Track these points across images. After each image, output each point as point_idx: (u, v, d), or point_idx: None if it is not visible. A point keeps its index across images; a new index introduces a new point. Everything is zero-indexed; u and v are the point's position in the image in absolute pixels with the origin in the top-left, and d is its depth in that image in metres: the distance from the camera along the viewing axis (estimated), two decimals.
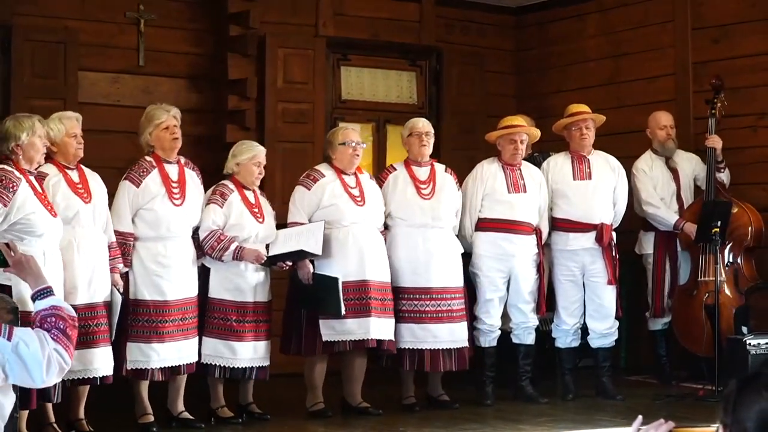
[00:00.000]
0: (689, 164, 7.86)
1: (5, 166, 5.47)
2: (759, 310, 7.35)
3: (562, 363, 7.31)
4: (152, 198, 6.14)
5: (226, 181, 6.49)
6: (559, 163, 7.32)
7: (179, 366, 6.16)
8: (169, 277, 6.13)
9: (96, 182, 5.99)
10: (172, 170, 6.27)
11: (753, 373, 2.37)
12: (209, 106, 8.44)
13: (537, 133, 7.35)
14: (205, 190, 6.45)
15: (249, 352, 6.35)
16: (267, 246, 6.43)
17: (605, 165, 7.31)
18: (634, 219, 7.74)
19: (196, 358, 6.24)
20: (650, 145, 7.88)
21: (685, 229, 7.53)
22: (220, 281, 6.35)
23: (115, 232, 6.03)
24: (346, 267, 6.49)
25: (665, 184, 7.76)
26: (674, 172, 7.81)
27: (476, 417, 6.60)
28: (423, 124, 7.00)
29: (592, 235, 7.13)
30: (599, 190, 7.22)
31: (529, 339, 7.14)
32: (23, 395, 4.84)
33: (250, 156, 6.49)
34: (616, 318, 7.25)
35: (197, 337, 6.25)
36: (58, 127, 5.82)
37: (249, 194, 6.48)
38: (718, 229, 7.13)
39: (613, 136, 7.96)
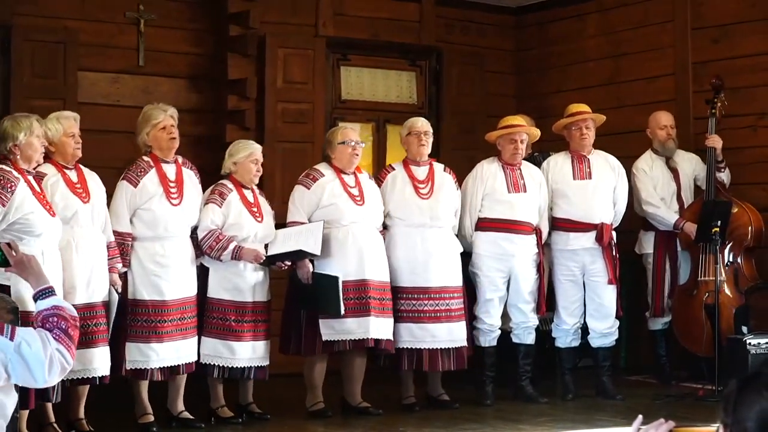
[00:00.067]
0: (689, 164, 7.86)
1: (3, 166, 5.47)
2: (759, 310, 7.35)
3: (562, 363, 7.31)
4: (150, 198, 6.14)
5: (224, 181, 6.49)
6: (559, 162, 7.32)
7: (178, 366, 6.16)
8: (168, 276, 6.12)
9: (94, 182, 5.99)
10: (170, 170, 6.27)
11: (753, 372, 2.37)
12: (209, 106, 8.44)
13: (537, 132, 7.35)
14: (205, 190, 6.45)
15: (248, 352, 6.35)
16: (266, 246, 6.43)
17: (605, 165, 7.31)
18: (634, 219, 7.74)
19: (196, 358, 6.24)
20: (650, 145, 7.88)
21: (685, 228, 7.53)
22: (219, 281, 6.35)
23: (114, 232, 6.03)
24: (346, 266, 6.48)
25: (665, 184, 7.77)
26: (674, 172, 7.81)
27: (476, 417, 6.60)
28: (422, 124, 6.99)
29: (592, 234, 7.13)
30: (599, 189, 7.22)
31: (529, 339, 7.14)
32: (22, 395, 4.82)
33: (247, 154, 6.49)
34: (617, 318, 7.25)
35: (196, 337, 6.25)
36: (55, 127, 5.82)
37: (248, 193, 6.48)
38: (718, 229, 7.13)
39: (613, 136, 7.96)
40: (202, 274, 6.36)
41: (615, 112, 8.23)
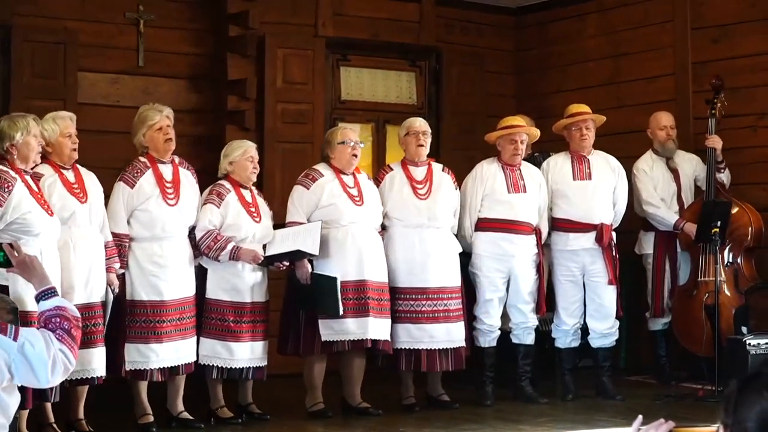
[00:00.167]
0: (690, 165, 7.86)
1: (1, 167, 5.47)
2: (759, 310, 7.35)
3: (562, 363, 7.31)
4: (147, 199, 6.14)
5: (222, 181, 6.48)
6: (559, 163, 7.32)
7: (178, 366, 6.16)
8: (166, 277, 6.12)
9: (92, 182, 5.99)
10: (166, 170, 6.26)
11: (753, 373, 2.37)
12: (209, 107, 8.44)
13: (537, 132, 7.35)
14: (204, 191, 6.45)
15: (246, 353, 6.35)
16: (264, 246, 6.43)
17: (605, 165, 7.31)
18: (634, 219, 7.74)
19: (195, 358, 6.24)
20: (650, 146, 7.88)
21: (685, 229, 7.52)
22: (218, 282, 6.34)
23: (111, 233, 6.03)
24: (345, 267, 6.48)
25: (666, 185, 7.76)
26: (675, 172, 7.80)
27: (476, 417, 6.60)
28: (420, 124, 6.99)
29: (592, 235, 7.13)
30: (599, 190, 7.22)
31: (529, 339, 7.14)
32: (20, 395, 4.83)
33: (241, 152, 6.49)
34: (617, 318, 7.25)
35: (195, 337, 6.25)
36: (52, 128, 5.82)
37: (246, 193, 6.48)
38: (718, 229, 7.13)
39: (613, 136, 7.95)
40: (201, 274, 6.36)
41: (615, 113, 8.23)
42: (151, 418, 6.16)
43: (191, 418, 6.27)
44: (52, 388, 5.40)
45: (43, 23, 7.82)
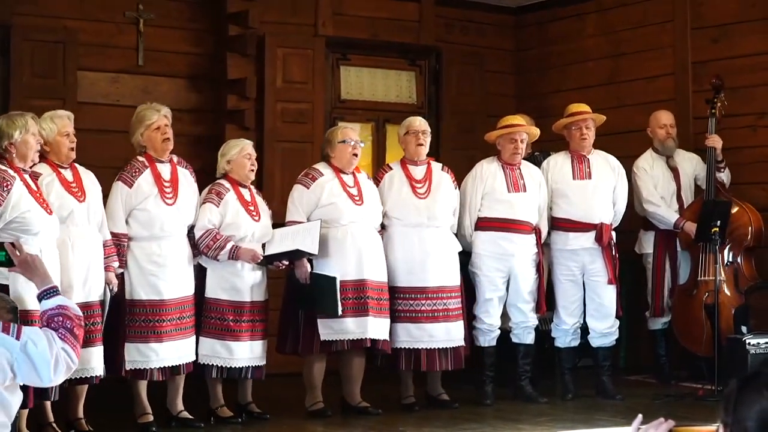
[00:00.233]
0: (690, 164, 7.86)
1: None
2: (759, 310, 7.35)
3: (562, 363, 7.31)
4: (145, 198, 6.13)
5: (221, 180, 6.48)
6: (559, 162, 7.32)
7: (178, 366, 6.16)
8: (165, 276, 6.12)
9: (90, 181, 5.98)
10: (165, 170, 6.26)
11: (753, 372, 2.37)
12: (208, 106, 8.44)
13: (536, 131, 7.35)
14: (203, 190, 6.45)
15: (246, 352, 6.34)
16: (263, 245, 6.43)
17: (605, 165, 7.31)
18: (634, 218, 7.74)
19: (194, 357, 6.24)
20: (650, 145, 7.88)
21: (685, 228, 7.53)
22: (217, 281, 6.34)
23: (110, 233, 6.03)
24: (345, 266, 6.48)
25: (666, 184, 7.77)
26: (675, 171, 7.81)
27: (476, 417, 6.60)
28: (419, 123, 6.99)
29: (592, 234, 7.13)
30: (599, 189, 7.22)
31: (529, 338, 7.14)
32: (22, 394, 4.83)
33: (238, 150, 6.49)
34: (617, 317, 7.25)
35: (194, 336, 6.25)
36: (50, 127, 5.82)
37: (245, 192, 6.48)
38: (717, 229, 7.13)
39: (613, 135, 7.95)
40: (200, 274, 6.36)
41: (615, 112, 8.22)
42: (151, 418, 6.16)
43: (191, 417, 6.28)
44: (52, 387, 5.40)
45: (43, 22, 7.82)
